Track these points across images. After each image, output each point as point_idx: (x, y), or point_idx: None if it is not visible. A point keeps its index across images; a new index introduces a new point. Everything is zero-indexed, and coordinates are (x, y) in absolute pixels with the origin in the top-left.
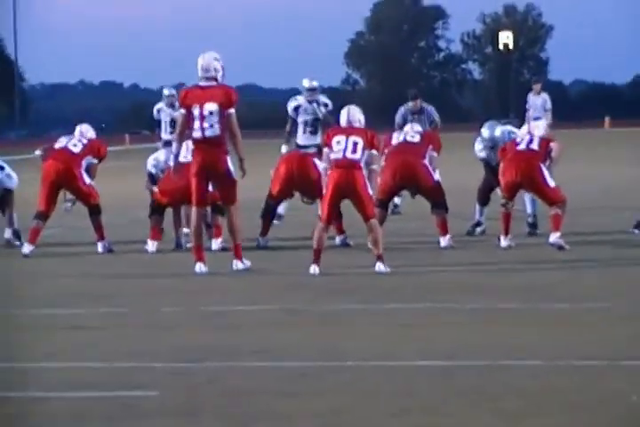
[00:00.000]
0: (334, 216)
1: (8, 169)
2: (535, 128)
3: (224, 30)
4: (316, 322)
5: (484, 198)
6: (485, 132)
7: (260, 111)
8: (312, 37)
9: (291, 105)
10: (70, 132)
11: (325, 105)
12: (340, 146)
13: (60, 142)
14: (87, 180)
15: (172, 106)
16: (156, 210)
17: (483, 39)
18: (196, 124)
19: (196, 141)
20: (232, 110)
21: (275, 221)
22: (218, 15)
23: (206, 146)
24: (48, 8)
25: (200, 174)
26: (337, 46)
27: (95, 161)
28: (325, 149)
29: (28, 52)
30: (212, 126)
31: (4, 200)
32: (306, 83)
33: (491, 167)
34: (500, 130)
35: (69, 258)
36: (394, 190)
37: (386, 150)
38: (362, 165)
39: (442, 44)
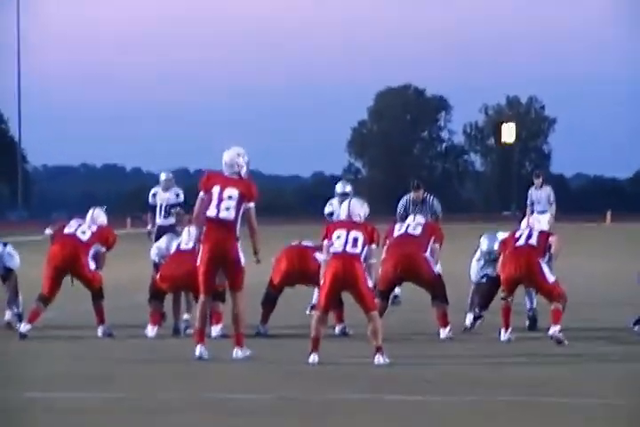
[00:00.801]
0: (332, 305)
1: (10, 248)
2: (536, 222)
3: (226, 117)
4: (315, 412)
5: (485, 303)
6: (484, 244)
7: (262, 198)
8: (314, 125)
9: (326, 210)
10: (74, 215)
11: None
12: (341, 240)
13: (70, 227)
14: (92, 266)
15: (166, 189)
16: (156, 295)
17: (485, 131)
18: (213, 203)
19: (209, 221)
20: (252, 204)
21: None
22: (220, 101)
23: (218, 227)
24: (50, 90)
25: (210, 261)
26: (339, 135)
27: (103, 249)
28: (325, 242)
29: (30, 134)
30: (227, 209)
31: (5, 279)
32: (339, 188)
33: (490, 279)
34: (497, 243)
35: (69, 341)
36: (394, 282)
37: (387, 241)
38: (362, 259)
39: (444, 134)
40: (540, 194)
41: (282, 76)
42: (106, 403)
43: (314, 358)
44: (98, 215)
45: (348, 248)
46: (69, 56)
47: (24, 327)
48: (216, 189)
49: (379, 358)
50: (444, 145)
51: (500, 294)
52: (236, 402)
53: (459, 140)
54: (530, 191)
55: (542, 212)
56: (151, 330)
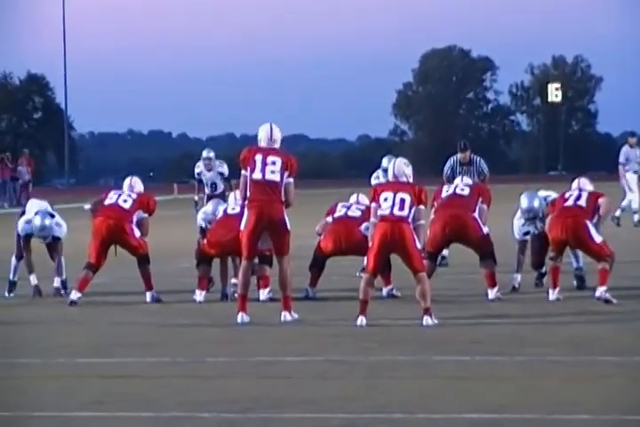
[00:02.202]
0: (381, 268)
1: (58, 217)
2: (586, 184)
3: (272, 80)
4: (364, 374)
5: (538, 262)
6: (524, 202)
7: (308, 162)
8: (360, 88)
9: (373, 182)
10: (119, 182)
11: None
12: (388, 203)
13: (111, 199)
14: (137, 233)
15: (209, 170)
16: (203, 260)
17: (531, 91)
18: (258, 167)
19: (254, 184)
20: (291, 180)
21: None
22: (265, 66)
23: (264, 190)
24: (97, 58)
25: (255, 224)
26: (385, 97)
27: (146, 215)
28: (373, 204)
29: (77, 101)
30: (273, 172)
31: (52, 248)
32: (385, 162)
33: (535, 236)
34: (537, 200)
35: (117, 307)
36: (443, 243)
37: (435, 203)
38: (409, 220)
39: (490, 95)
40: (635, 153)
41: (326, 40)
42: (153, 368)
43: (362, 320)
44: (135, 183)
45: (396, 211)
46: (116, 25)
47: (74, 295)
48: (259, 157)
49: (427, 320)
50: (489, 106)
51: (549, 253)
52: (285, 365)
53: (505, 100)
54: (623, 149)
55: (635, 171)
56: (199, 295)
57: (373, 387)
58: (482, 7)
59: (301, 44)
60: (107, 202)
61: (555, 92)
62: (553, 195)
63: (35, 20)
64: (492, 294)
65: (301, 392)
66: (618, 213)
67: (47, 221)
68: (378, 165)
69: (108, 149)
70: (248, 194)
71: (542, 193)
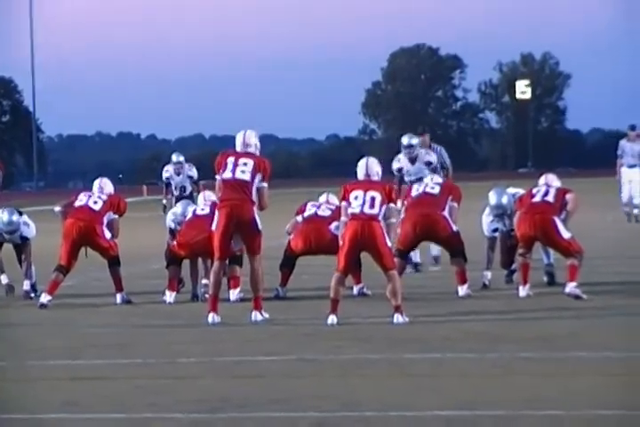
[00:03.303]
0: (351, 266)
1: (26, 217)
2: (553, 180)
3: (240, 81)
4: (334, 372)
5: (508, 261)
6: (492, 199)
7: (277, 161)
8: (328, 88)
9: (394, 166)
10: (88, 184)
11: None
12: (359, 201)
13: (81, 201)
14: (108, 235)
15: (178, 174)
16: (173, 261)
17: (500, 88)
18: (229, 167)
19: (224, 183)
20: (265, 184)
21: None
22: (234, 65)
23: (234, 190)
24: (64, 59)
25: (226, 225)
26: (354, 96)
27: (116, 216)
28: (343, 203)
29: (45, 104)
30: (243, 172)
31: (21, 250)
32: (404, 140)
33: (503, 234)
34: (506, 197)
35: (88, 309)
36: (414, 242)
37: (405, 202)
38: (380, 218)
39: (459, 93)
40: (633, 147)
41: (294, 39)
42: (125, 369)
43: (332, 319)
44: (105, 184)
45: (366, 209)
46: (85, 26)
47: (45, 298)
48: (231, 159)
49: (398, 318)
50: (458, 104)
51: (518, 250)
52: (256, 365)
53: (474, 98)
54: (621, 142)
55: (632, 166)
56: (169, 296)
57: (345, 385)
58: (450, 5)
59: (269, 44)
60: (77, 204)
61: (523, 89)
62: (521, 192)
63: (1, 22)
64: (462, 291)
65: (273, 391)
66: (627, 209)
67: (14, 217)
68: (346, 164)
69: (76, 151)
70: (220, 193)
71: (511, 190)
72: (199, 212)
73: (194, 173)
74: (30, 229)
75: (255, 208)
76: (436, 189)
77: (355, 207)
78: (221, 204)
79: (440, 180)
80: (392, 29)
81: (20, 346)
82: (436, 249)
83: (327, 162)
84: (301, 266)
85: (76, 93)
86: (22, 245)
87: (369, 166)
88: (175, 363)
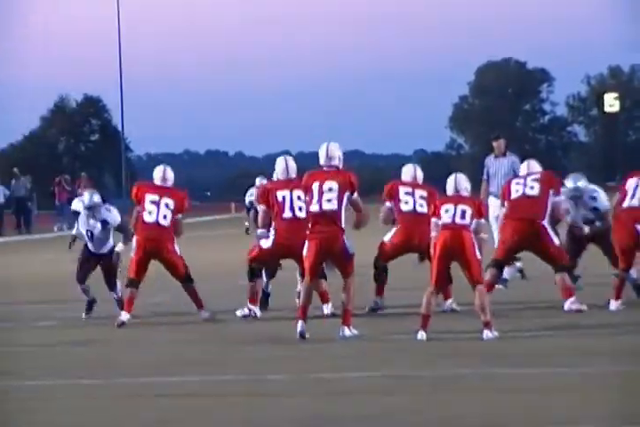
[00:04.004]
0: (443, 281)
1: (109, 205)
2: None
3: (326, 97)
4: (425, 388)
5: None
6: (570, 182)
7: (364, 177)
8: (415, 103)
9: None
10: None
11: None
12: (449, 213)
13: (150, 214)
14: (178, 250)
15: None
16: (256, 274)
17: (588, 101)
18: (315, 198)
19: (313, 216)
20: (355, 195)
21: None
22: (320, 82)
23: (323, 221)
24: (151, 79)
25: (317, 256)
26: (441, 111)
27: (179, 216)
28: (434, 219)
29: (134, 123)
30: (329, 201)
31: (107, 265)
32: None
33: (573, 234)
34: (583, 181)
35: (172, 326)
36: (513, 251)
37: (506, 202)
38: (470, 229)
39: (547, 106)
40: None
41: (381, 55)
42: (215, 386)
43: (422, 335)
44: (168, 175)
45: (457, 219)
46: (166, 45)
47: (124, 317)
48: (316, 185)
49: (487, 334)
50: (546, 117)
51: (620, 264)
52: (347, 382)
53: (561, 111)
54: None
55: None
56: (257, 310)
57: (436, 401)
58: (537, 20)
59: (356, 59)
60: (146, 219)
61: (611, 102)
62: (600, 192)
63: (91, 43)
64: (568, 305)
65: (362, 408)
66: None
67: (96, 197)
68: (434, 179)
69: None
70: (310, 224)
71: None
72: (298, 213)
73: None
74: (113, 215)
75: (344, 236)
76: (536, 189)
77: (446, 218)
78: (311, 235)
79: (536, 168)
80: (479, 43)
81: (108, 363)
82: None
83: None
84: (391, 281)
85: (163, 112)
86: (108, 257)
87: (458, 182)
88: (265, 380)
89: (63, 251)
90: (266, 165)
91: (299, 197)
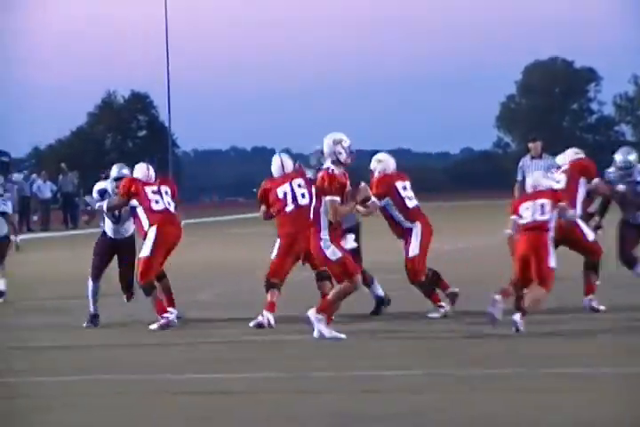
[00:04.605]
0: (526, 281)
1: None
2: None
3: (373, 95)
4: (454, 387)
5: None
6: (618, 156)
7: (412, 175)
8: (462, 101)
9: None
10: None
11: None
12: (529, 211)
13: (158, 204)
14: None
15: None
16: (273, 284)
17: (635, 101)
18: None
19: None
20: (328, 198)
21: None
22: (367, 79)
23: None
24: (196, 76)
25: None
26: (488, 110)
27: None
28: (512, 217)
29: (180, 119)
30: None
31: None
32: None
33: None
34: (635, 155)
35: (202, 324)
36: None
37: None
38: (551, 226)
39: (594, 106)
40: None
41: (428, 54)
42: (258, 383)
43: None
44: (152, 171)
45: (537, 216)
46: (221, 41)
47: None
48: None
49: (518, 319)
50: (594, 117)
51: None
52: (388, 379)
53: (609, 111)
54: None
55: None
56: (272, 318)
57: (463, 400)
58: (584, 18)
59: (402, 59)
60: (156, 208)
61: None
62: None
63: (137, 39)
64: (587, 301)
65: (391, 407)
66: None
67: (125, 171)
68: (480, 178)
69: (211, 165)
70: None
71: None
72: (301, 201)
73: None
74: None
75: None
76: (562, 182)
77: (526, 217)
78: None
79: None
80: (525, 42)
81: (153, 359)
82: None
83: (462, 175)
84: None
85: (210, 108)
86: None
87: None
88: (305, 378)
89: None
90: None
91: (299, 185)
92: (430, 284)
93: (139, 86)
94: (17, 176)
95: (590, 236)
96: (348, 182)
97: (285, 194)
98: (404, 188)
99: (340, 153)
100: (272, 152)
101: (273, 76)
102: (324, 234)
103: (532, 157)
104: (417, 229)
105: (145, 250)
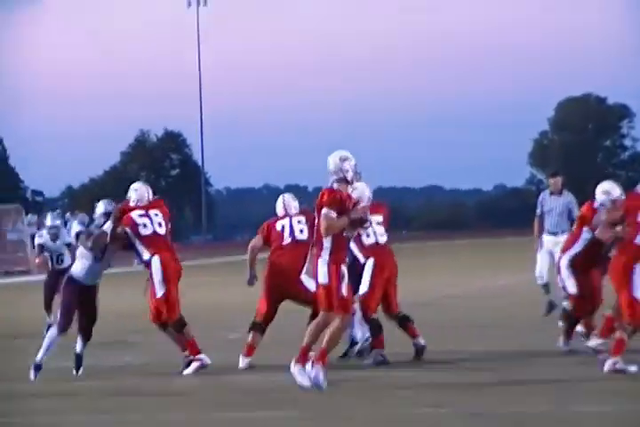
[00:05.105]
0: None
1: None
2: None
3: (405, 132)
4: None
5: None
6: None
7: (442, 212)
8: (495, 138)
9: None
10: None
11: None
12: None
13: (146, 228)
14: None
15: None
16: (257, 325)
17: None
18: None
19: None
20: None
21: None
22: (398, 117)
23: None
24: (231, 114)
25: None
26: (521, 147)
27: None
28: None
29: (213, 157)
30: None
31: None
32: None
33: None
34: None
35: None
36: None
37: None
38: None
39: (627, 142)
40: None
41: (460, 90)
42: (295, 423)
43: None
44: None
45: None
46: (255, 82)
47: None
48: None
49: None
50: (626, 153)
51: None
52: (426, 417)
53: None
54: None
55: None
56: (243, 361)
57: None
58: (616, 54)
59: (435, 96)
60: (143, 233)
61: None
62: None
63: (170, 78)
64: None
65: None
66: None
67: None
68: (513, 215)
69: (244, 204)
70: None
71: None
72: (299, 236)
73: None
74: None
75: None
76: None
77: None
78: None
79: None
80: (558, 78)
81: (187, 398)
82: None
83: (494, 212)
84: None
85: (243, 147)
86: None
87: None
88: (337, 416)
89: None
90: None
91: (299, 222)
92: (400, 325)
93: (172, 125)
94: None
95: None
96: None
97: (283, 227)
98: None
99: (347, 171)
100: (304, 189)
101: (300, 115)
102: (325, 253)
103: (552, 193)
104: (369, 265)
105: (159, 288)
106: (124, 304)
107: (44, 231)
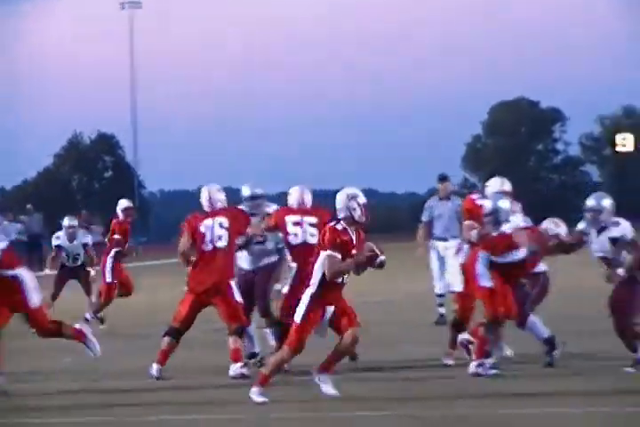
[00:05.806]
0: None
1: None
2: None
3: (341, 137)
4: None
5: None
6: (590, 201)
7: (378, 215)
8: (428, 141)
9: None
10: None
11: None
12: None
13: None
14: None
15: None
16: (172, 331)
17: (601, 141)
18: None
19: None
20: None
21: None
22: (333, 122)
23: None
24: (165, 114)
25: None
26: (454, 150)
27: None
28: None
29: (146, 160)
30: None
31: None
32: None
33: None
34: (607, 200)
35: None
36: None
37: None
38: None
39: (560, 146)
40: None
41: (394, 93)
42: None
43: None
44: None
45: None
46: (182, 71)
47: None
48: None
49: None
50: (559, 157)
51: None
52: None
53: (574, 151)
54: None
55: None
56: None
57: None
58: (549, 58)
59: (370, 101)
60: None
61: (623, 142)
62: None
63: (103, 79)
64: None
65: None
66: None
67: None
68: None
69: (178, 206)
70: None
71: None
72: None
73: None
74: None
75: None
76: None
77: None
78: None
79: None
80: (491, 83)
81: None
82: None
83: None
84: None
85: (176, 148)
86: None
87: None
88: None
89: (78, 289)
90: (282, 201)
91: (220, 225)
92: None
93: (105, 127)
94: None
95: None
96: (355, 241)
97: (206, 230)
98: (297, 223)
99: (355, 209)
100: (238, 192)
101: (237, 113)
102: (313, 288)
103: (440, 199)
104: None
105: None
106: None
107: (62, 232)
